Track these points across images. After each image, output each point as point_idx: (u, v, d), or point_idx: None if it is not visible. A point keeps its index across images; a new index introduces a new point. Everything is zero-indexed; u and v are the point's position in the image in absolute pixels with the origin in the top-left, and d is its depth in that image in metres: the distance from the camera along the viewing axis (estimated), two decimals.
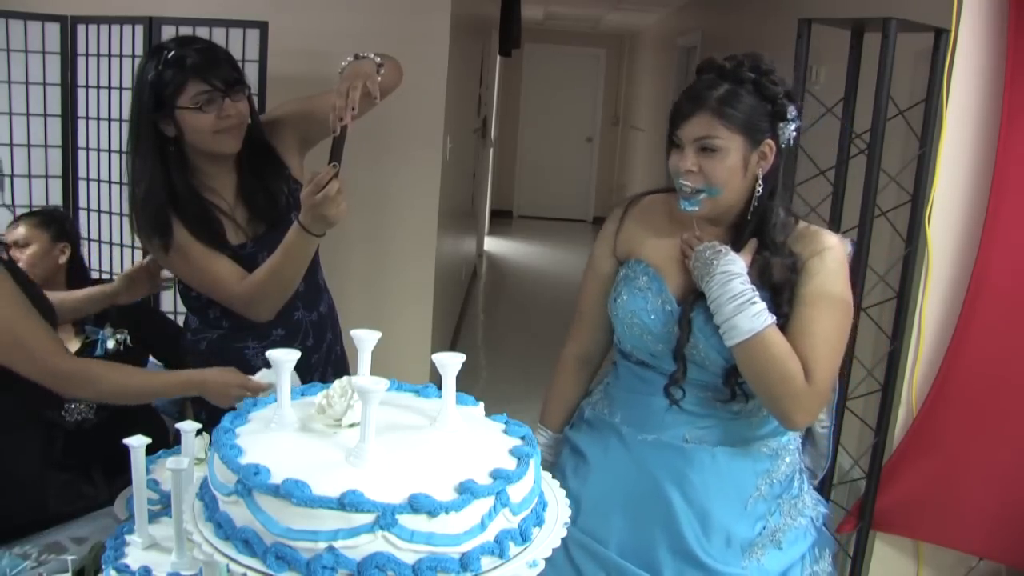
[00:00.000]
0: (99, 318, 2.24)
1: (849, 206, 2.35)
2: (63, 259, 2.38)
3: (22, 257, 2.28)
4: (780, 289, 1.42)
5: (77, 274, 2.41)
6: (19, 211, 3.10)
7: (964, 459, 2.28)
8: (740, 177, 1.42)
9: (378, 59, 1.77)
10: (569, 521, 1.05)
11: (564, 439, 1.68)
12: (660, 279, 1.50)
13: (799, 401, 1.39)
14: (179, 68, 1.67)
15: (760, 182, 1.43)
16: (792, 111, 1.42)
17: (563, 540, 1.44)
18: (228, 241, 1.81)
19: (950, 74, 2.20)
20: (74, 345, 2.22)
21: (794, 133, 1.43)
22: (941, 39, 2.20)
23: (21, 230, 2.33)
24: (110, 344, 2.22)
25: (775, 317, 1.39)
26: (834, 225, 2.38)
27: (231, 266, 1.79)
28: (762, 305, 1.38)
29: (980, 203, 2.23)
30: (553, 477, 1.55)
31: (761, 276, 1.43)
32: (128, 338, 2.25)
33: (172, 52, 1.69)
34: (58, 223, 2.40)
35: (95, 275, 2.99)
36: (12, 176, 3.09)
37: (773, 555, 1.50)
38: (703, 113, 1.39)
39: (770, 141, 1.41)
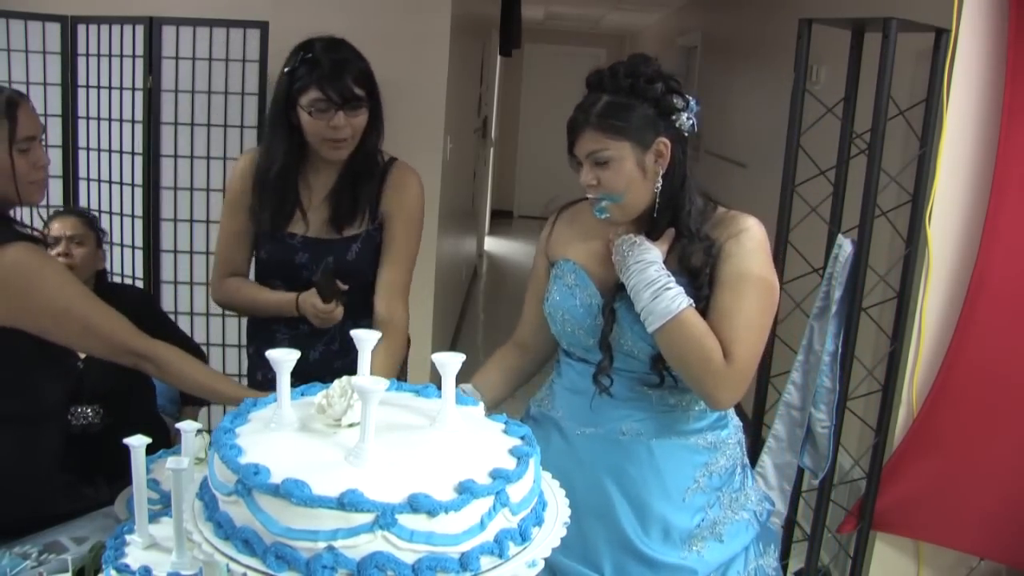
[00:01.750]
0: None
1: (849, 206, 2.35)
2: (101, 266, 2.33)
3: (74, 254, 2.22)
4: (698, 273, 1.45)
5: (101, 287, 2.33)
6: (20, 211, 3.11)
7: (964, 459, 2.28)
8: (641, 180, 1.46)
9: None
10: (568, 521, 1.05)
11: None
12: (585, 275, 1.56)
13: (719, 379, 1.41)
14: (308, 71, 1.76)
15: (660, 179, 1.47)
16: (679, 101, 1.45)
17: None
18: (288, 229, 1.89)
19: (950, 74, 2.20)
20: None
21: (691, 119, 1.46)
22: (941, 39, 2.20)
23: (73, 225, 2.26)
24: None
25: (692, 300, 1.42)
26: (834, 225, 2.38)
27: (234, 260, 1.94)
28: (678, 289, 1.41)
29: (980, 203, 2.23)
30: None
31: (680, 262, 1.46)
32: None
33: (312, 54, 1.77)
34: (99, 230, 2.36)
35: None
36: None
37: (714, 547, 1.52)
38: (588, 129, 1.45)
39: (663, 139, 1.45)
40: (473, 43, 5.00)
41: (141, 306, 2.31)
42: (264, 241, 1.89)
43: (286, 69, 1.79)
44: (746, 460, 1.64)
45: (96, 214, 3.11)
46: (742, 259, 1.44)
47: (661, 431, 1.53)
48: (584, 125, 1.45)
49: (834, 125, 2.39)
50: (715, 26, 5.82)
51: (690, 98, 1.47)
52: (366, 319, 1.90)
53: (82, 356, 2.19)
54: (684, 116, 1.46)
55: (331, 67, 1.75)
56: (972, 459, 2.27)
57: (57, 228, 2.25)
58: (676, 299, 1.40)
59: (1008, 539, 2.28)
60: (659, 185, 1.47)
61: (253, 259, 1.97)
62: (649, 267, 1.43)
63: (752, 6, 4.81)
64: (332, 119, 1.76)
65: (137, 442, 1.23)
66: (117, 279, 3.12)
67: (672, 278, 1.43)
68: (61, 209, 2.49)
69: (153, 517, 1.32)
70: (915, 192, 2.28)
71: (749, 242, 1.46)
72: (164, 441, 2.18)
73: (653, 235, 1.50)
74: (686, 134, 1.48)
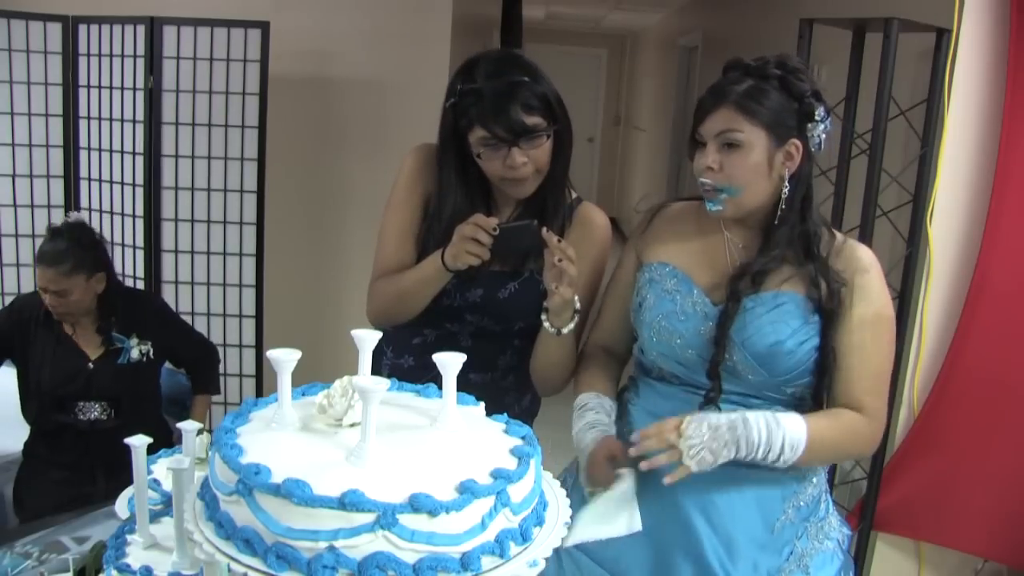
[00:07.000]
0: (126, 327, 2.22)
1: (850, 206, 2.35)
2: (100, 289, 2.20)
3: (64, 303, 2.13)
4: (832, 317, 1.39)
5: (110, 299, 2.24)
6: (21, 211, 3.11)
7: (965, 459, 2.28)
8: (765, 176, 1.38)
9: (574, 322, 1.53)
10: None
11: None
12: (689, 279, 1.46)
13: (871, 442, 1.43)
14: (471, 104, 1.52)
15: (787, 184, 1.39)
16: (821, 111, 1.39)
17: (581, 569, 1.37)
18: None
19: (951, 74, 2.20)
20: (98, 351, 2.21)
21: (823, 135, 1.40)
22: (943, 39, 2.20)
23: (52, 279, 2.11)
24: (134, 354, 2.20)
25: (801, 419, 1.33)
26: (835, 226, 2.37)
27: (395, 258, 1.67)
28: (782, 428, 1.31)
29: (982, 203, 2.23)
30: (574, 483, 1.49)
31: (808, 294, 1.39)
32: (152, 350, 2.24)
33: (474, 83, 1.53)
34: (91, 254, 2.19)
35: None
36: (14, 176, 3.10)
37: None
38: (725, 107, 1.36)
39: (796, 141, 1.38)
40: (474, 43, 5.00)
41: (151, 315, 2.30)
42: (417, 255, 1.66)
43: (448, 103, 1.57)
44: (827, 485, 1.56)
45: (96, 213, 3.12)
46: (879, 297, 1.40)
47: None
48: (721, 103, 1.37)
49: (835, 125, 2.38)
50: (716, 26, 5.82)
51: (828, 115, 1.41)
52: (499, 370, 1.69)
53: (92, 357, 2.20)
54: (820, 128, 1.39)
55: (493, 99, 1.49)
56: (973, 459, 2.26)
57: (40, 279, 2.13)
58: (789, 438, 1.31)
59: (1009, 539, 2.28)
60: (787, 189, 1.39)
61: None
62: (737, 444, 1.30)
63: (753, 6, 4.80)
64: (507, 157, 1.51)
65: (138, 442, 1.22)
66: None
67: (760, 422, 1.31)
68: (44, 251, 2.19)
69: (154, 516, 1.32)
70: (916, 192, 2.28)
71: (878, 279, 1.41)
72: (168, 441, 2.18)
73: (767, 246, 1.41)
74: (813, 149, 1.41)
